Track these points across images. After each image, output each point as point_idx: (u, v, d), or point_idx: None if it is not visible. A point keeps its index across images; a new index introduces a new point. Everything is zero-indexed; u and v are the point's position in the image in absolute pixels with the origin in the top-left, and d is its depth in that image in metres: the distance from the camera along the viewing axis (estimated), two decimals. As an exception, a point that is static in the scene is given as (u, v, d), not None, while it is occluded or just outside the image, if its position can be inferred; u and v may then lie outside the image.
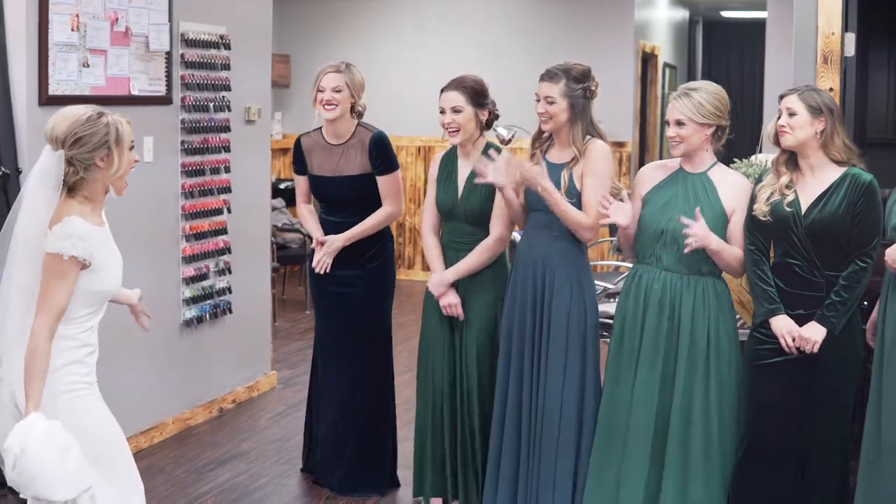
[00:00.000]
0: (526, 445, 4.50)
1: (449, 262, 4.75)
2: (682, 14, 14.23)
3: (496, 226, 4.68)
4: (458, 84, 4.72)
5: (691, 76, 14.68)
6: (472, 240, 4.70)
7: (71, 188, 3.31)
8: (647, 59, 11.79)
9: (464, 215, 4.72)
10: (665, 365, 4.23)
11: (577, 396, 4.42)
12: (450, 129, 4.70)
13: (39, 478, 3.20)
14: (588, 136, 4.44)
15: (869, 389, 4.46)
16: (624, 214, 4.27)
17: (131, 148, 3.39)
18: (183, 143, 5.97)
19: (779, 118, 4.10)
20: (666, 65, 12.89)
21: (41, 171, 3.29)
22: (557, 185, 4.41)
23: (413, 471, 4.93)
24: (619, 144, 10.64)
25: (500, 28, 11.02)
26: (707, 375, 4.22)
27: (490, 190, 4.64)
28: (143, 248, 5.64)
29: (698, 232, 4.08)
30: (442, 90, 4.74)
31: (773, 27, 9.21)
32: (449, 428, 4.77)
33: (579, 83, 4.42)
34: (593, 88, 4.46)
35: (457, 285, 4.72)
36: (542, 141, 4.57)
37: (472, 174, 4.65)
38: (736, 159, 5.50)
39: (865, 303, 5.66)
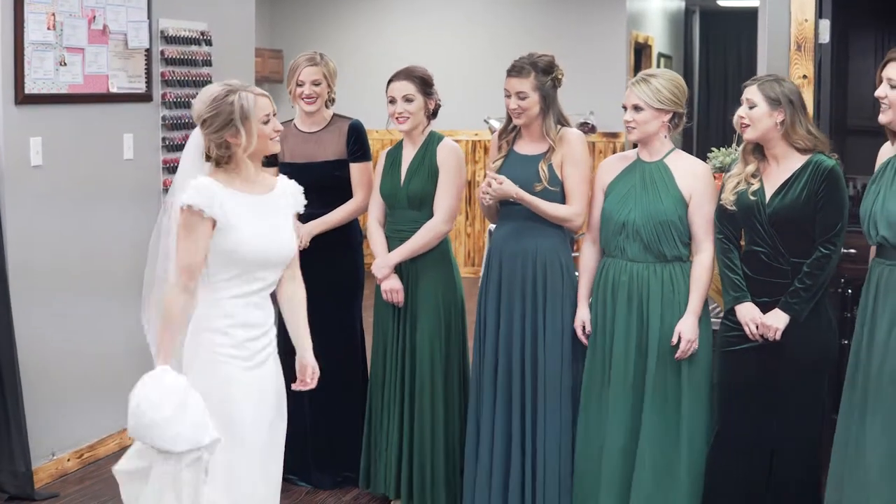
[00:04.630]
0: (519, 440, 4.47)
1: None
2: (678, 4, 14.20)
3: (441, 207, 4.70)
4: (407, 74, 4.77)
5: (687, 66, 14.65)
6: (415, 227, 4.73)
7: (217, 162, 3.42)
8: (641, 50, 11.77)
9: (406, 199, 4.74)
10: (637, 368, 4.23)
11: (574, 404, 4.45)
12: (400, 118, 4.72)
13: (153, 428, 3.29)
14: (559, 126, 4.46)
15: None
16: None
17: (266, 121, 3.42)
18: (164, 139, 5.97)
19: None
20: (661, 55, 12.86)
21: (190, 146, 3.46)
22: (533, 177, 4.42)
23: (360, 465, 4.95)
24: (613, 135, 10.63)
25: (492, 20, 11.02)
26: (679, 370, 4.22)
27: (432, 173, 4.70)
28: (125, 245, 5.65)
29: (687, 331, 4.17)
30: (390, 80, 4.78)
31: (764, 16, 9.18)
32: (398, 421, 4.78)
33: (547, 74, 4.43)
34: (560, 77, 4.47)
35: (401, 274, 4.73)
36: (507, 133, 4.58)
37: (416, 159, 4.74)
38: (714, 148, 5.52)
39: (850, 291, 5.63)
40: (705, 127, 14.49)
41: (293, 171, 5.09)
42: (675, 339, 4.18)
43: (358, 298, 5.24)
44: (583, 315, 4.42)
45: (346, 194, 5.10)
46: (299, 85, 5.08)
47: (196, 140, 3.44)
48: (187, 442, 3.31)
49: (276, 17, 11.59)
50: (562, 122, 4.50)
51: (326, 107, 5.18)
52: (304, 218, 5.02)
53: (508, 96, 4.44)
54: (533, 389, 4.45)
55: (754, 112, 4.03)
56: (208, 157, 3.43)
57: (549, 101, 4.44)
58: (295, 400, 5.18)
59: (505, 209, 4.53)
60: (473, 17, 11.11)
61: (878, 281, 3.94)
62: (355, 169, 5.11)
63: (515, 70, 4.44)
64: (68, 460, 5.39)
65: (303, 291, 3.69)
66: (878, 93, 3.93)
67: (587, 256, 4.47)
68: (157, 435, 3.30)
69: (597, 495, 4.31)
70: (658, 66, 12.62)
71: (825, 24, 5.07)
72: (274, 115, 3.48)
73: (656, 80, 4.22)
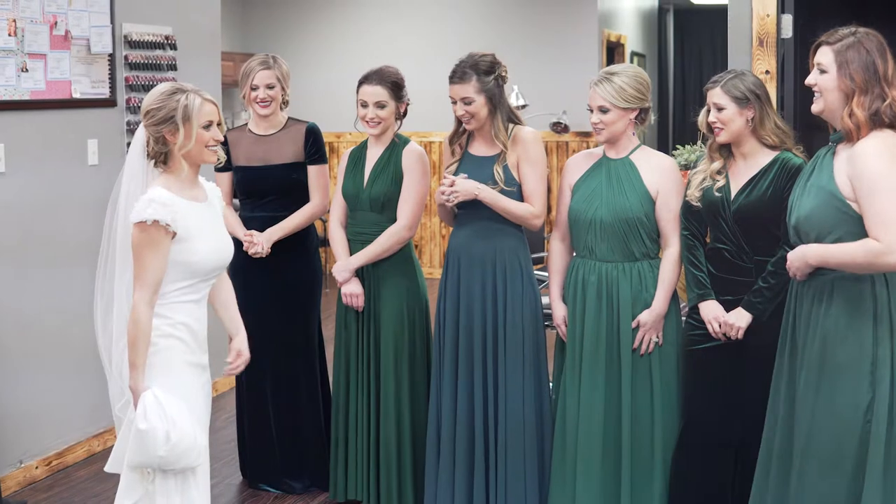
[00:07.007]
0: (482, 448, 4.43)
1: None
2: (651, 2, 14.20)
3: (404, 212, 4.65)
4: (380, 77, 4.69)
5: (662, 65, 14.66)
6: (377, 230, 4.67)
7: (154, 159, 3.47)
8: (613, 49, 11.76)
9: (368, 202, 4.68)
10: (608, 366, 4.20)
11: (536, 398, 4.40)
12: (371, 123, 4.67)
13: (189, 446, 3.36)
14: (511, 125, 4.41)
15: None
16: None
17: (208, 126, 3.47)
18: (129, 145, 5.90)
19: (709, 111, 4.03)
20: (634, 53, 12.86)
21: (134, 143, 3.50)
22: (488, 179, 4.37)
23: (329, 472, 4.91)
24: (585, 135, 10.62)
25: (464, 21, 10.99)
26: (650, 368, 4.21)
27: (396, 176, 4.65)
28: (88, 252, 5.60)
29: (647, 322, 4.16)
30: (362, 82, 4.70)
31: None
32: (364, 427, 4.74)
33: (489, 74, 4.36)
34: (504, 74, 4.40)
35: (363, 279, 4.69)
36: (458, 135, 4.54)
37: (381, 161, 4.68)
38: (679, 146, 5.51)
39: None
40: (681, 126, 14.49)
41: (250, 174, 5.08)
42: (633, 324, 4.17)
43: (316, 302, 5.20)
44: (560, 311, 4.38)
45: (304, 197, 5.06)
46: (253, 89, 5.02)
47: (139, 137, 3.49)
48: (202, 451, 3.45)
49: (248, 21, 11.56)
50: (513, 119, 4.43)
51: (280, 109, 5.13)
52: (262, 221, 5.03)
53: (454, 103, 4.38)
54: (494, 385, 4.41)
55: (724, 115, 3.97)
56: (148, 155, 3.48)
57: (495, 101, 4.36)
58: (258, 407, 5.18)
59: (462, 212, 4.47)
60: (446, 18, 11.08)
61: (791, 293, 3.70)
62: (312, 171, 5.07)
63: (457, 76, 4.36)
64: (36, 468, 5.35)
65: (229, 281, 3.82)
66: (809, 80, 3.63)
67: (556, 254, 4.45)
68: (192, 453, 3.38)
69: (574, 491, 4.26)
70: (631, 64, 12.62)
71: (787, 19, 5.05)
72: (219, 124, 3.52)
73: (619, 77, 4.16)
